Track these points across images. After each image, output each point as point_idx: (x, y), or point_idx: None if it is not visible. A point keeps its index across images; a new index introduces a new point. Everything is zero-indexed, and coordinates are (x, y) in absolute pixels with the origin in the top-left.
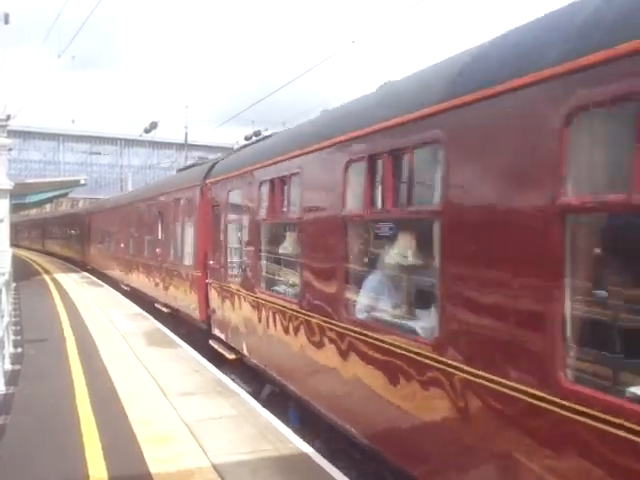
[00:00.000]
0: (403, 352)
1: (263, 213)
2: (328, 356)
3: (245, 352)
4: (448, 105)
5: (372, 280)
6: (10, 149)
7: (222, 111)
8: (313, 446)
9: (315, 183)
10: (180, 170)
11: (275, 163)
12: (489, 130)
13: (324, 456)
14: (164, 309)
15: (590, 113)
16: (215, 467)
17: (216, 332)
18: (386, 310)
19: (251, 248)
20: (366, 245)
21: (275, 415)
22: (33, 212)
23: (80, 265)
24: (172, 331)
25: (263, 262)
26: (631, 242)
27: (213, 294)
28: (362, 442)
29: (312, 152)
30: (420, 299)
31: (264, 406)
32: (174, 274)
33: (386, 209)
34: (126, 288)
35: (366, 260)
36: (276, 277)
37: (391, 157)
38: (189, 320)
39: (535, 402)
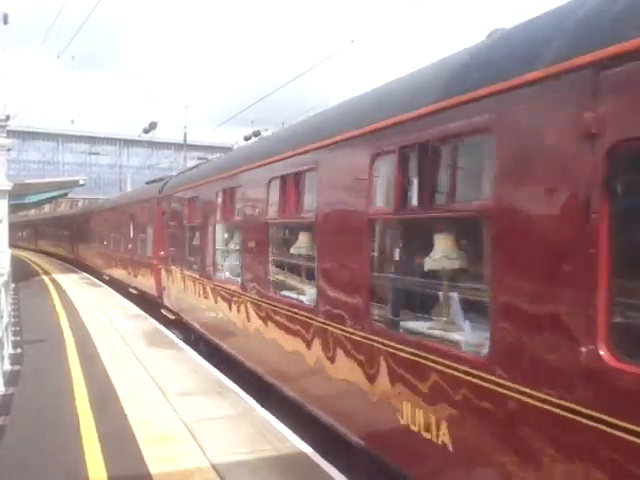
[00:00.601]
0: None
1: (188, 219)
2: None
3: (181, 313)
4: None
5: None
6: (9, 149)
7: (221, 111)
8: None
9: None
10: (148, 182)
11: (191, 188)
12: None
13: (322, 455)
14: (134, 291)
15: None
16: (214, 467)
17: (165, 302)
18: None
19: (182, 242)
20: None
21: (274, 414)
22: (32, 212)
23: (68, 260)
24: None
25: (186, 251)
26: None
27: (163, 275)
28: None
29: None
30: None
31: (262, 406)
32: (140, 264)
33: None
34: (107, 278)
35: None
36: (194, 260)
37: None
38: (151, 297)
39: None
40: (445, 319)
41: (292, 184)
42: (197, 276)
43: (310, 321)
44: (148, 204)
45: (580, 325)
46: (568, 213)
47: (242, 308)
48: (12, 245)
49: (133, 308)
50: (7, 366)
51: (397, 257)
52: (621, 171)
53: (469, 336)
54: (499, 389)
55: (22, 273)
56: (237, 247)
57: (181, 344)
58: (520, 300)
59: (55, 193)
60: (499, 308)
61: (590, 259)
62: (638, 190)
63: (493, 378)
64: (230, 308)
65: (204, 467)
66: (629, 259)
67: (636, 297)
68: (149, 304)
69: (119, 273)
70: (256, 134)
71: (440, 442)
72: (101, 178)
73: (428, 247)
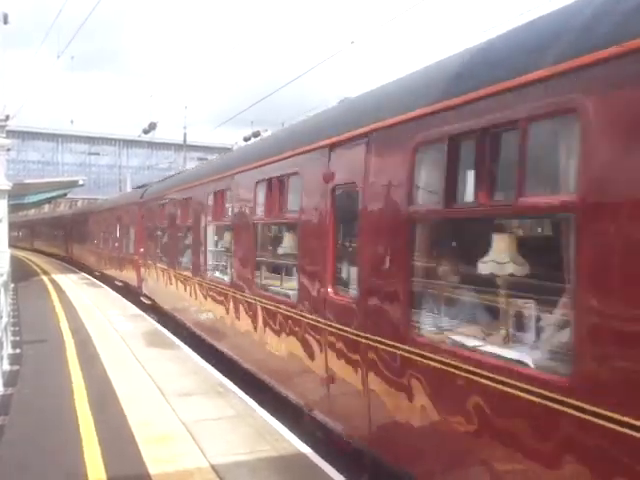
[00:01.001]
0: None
1: (160, 222)
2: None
3: (154, 298)
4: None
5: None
6: (9, 149)
7: (221, 112)
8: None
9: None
10: (135, 188)
11: (162, 196)
12: None
13: (321, 456)
14: (120, 283)
15: None
16: (214, 467)
17: (144, 291)
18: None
19: (155, 241)
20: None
21: (273, 415)
22: (30, 213)
23: (62, 259)
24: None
25: (159, 248)
26: None
27: (142, 269)
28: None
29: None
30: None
31: (262, 406)
32: (124, 260)
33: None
34: (97, 274)
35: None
36: (163, 255)
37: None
38: (133, 288)
39: None
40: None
41: (221, 197)
42: (165, 267)
43: (226, 292)
44: (131, 208)
45: None
46: None
47: (192, 289)
48: (9, 245)
49: (132, 308)
50: (6, 366)
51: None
52: None
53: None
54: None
55: (21, 273)
56: (190, 244)
57: (180, 344)
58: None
59: (54, 193)
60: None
61: None
62: None
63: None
64: (185, 290)
65: (203, 467)
66: None
67: None
68: (133, 294)
69: (108, 269)
70: (255, 135)
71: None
72: (100, 178)
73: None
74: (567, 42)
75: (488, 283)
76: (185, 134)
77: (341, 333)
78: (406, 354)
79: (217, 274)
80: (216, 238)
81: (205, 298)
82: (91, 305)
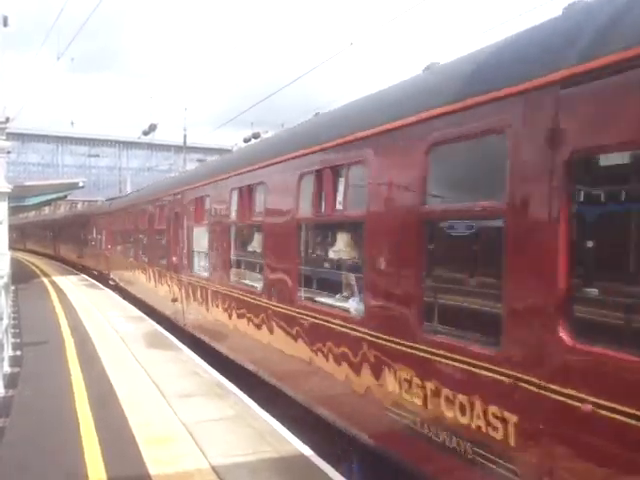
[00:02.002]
0: None
1: (118, 226)
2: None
3: (117, 280)
4: None
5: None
6: (9, 152)
7: (221, 113)
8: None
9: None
10: (106, 200)
11: (116, 210)
12: None
13: (322, 457)
14: (95, 272)
15: None
16: (214, 469)
17: (111, 275)
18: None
19: (117, 239)
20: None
21: (274, 416)
22: (32, 214)
23: (50, 257)
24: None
25: (118, 245)
26: None
27: (109, 260)
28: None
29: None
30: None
31: (262, 407)
32: (99, 255)
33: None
34: (80, 267)
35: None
36: (121, 249)
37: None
38: (105, 274)
39: None
40: None
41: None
42: (122, 257)
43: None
44: (103, 214)
45: None
46: None
47: (137, 271)
48: None
49: (133, 310)
50: (7, 368)
51: None
52: None
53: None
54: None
55: (21, 275)
56: (140, 241)
57: (181, 346)
58: None
59: (55, 195)
60: None
61: None
62: None
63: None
64: (134, 271)
65: (204, 469)
66: None
67: None
68: (104, 279)
69: (87, 262)
70: (255, 136)
71: None
72: (100, 180)
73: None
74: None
75: (336, 265)
76: (185, 135)
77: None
78: (293, 313)
79: (148, 258)
80: (157, 237)
81: (142, 274)
82: (91, 307)
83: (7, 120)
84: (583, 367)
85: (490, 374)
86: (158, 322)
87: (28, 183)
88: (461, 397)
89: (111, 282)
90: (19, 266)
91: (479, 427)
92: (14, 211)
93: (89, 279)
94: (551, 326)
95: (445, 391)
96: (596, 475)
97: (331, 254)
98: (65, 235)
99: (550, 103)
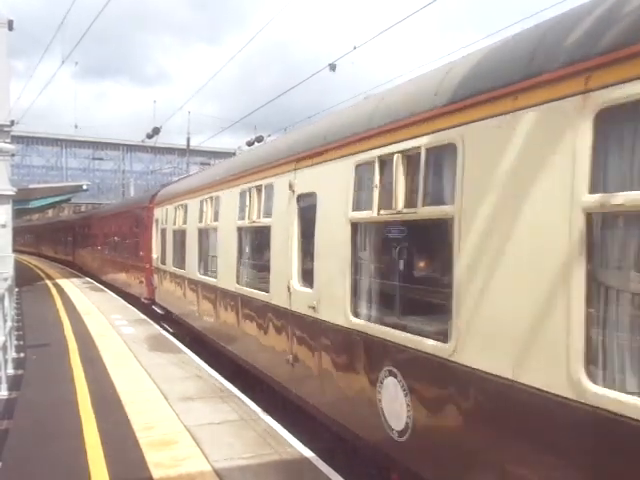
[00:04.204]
0: None
1: (86, 231)
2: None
3: (84, 267)
4: None
5: None
6: (13, 154)
7: (224, 117)
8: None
9: None
10: (76, 212)
11: (85, 218)
12: None
13: (325, 460)
14: (68, 265)
15: None
16: (217, 472)
17: (77, 263)
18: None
19: (85, 242)
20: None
21: (276, 420)
22: (36, 217)
23: (35, 255)
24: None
25: (87, 245)
26: None
27: (82, 255)
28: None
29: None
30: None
31: (265, 410)
32: (72, 252)
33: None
34: (59, 260)
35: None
36: (89, 247)
37: None
38: (75, 264)
39: None
40: None
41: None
42: (90, 252)
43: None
44: (76, 221)
45: None
46: None
47: (98, 260)
48: None
49: (136, 313)
50: (10, 370)
51: None
52: None
53: None
54: None
55: (25, 277)
56: (101, 242)
57: (184, 349)
58: None
59: (58, 198)
60: None
61: None
62: None
63: None
64: (94, 260)
65: (206, 472)
66: None
67: None
68: (79, 268)
69: (64, 259)
70: (259, 139)
71: None
72: (104, 183)
73: None
74: None
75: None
76: (188, 139)
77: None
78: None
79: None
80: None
81: (106, 266)
82: (94, 309)
83: (12, 123)
84: None
85: None
86: (160, 324)
87: (32, 186)
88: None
89: (78, 269)
90: (22, 268)
91: None
92: (18, 214)
93: (92, 282)
94: None
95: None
96: None
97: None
98: (46, 238)
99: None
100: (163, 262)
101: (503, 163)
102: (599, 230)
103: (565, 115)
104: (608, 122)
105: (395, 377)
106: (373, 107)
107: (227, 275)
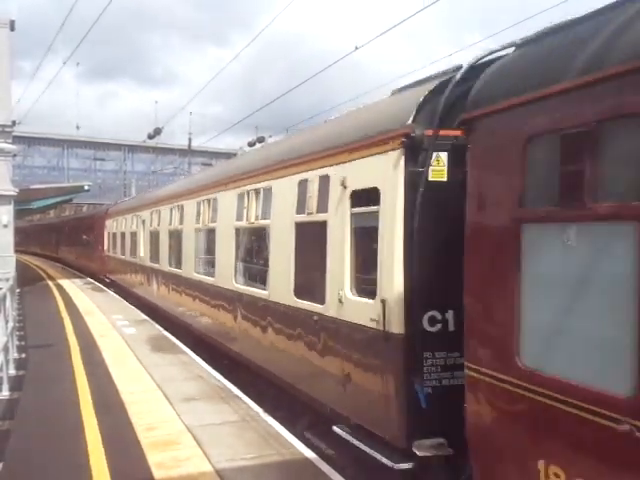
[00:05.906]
0: None
1: (62, 234)
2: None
3: (63, 258)
4: None
5: None
6: (15, 155)
7: (226, 117)
8: None
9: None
10: (58, 217)
11: (63, 221)
12: None
13: (326, 461)
14: (53, 259)
15: None
16: (218, 472)
17: (59, 256)
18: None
19: (62, 241)
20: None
21: (278, 420)
22: (37, 217)
23: (29, 253)
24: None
25: (64, 244)
26: None
27: (63, 250)
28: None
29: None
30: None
31: (267, 411)
32: (57, 249)
33: None
34: (46, 255)
35: None
36: (64, 245)
37: None
38: (58, 257)
39: None
40: None
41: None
42: (71, 249)
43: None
44: (58, 224)
45: None
46: None
47: (73, 253)
48: None
49: (137, 313)
50: (12, 371)
51: None
52: None
53: None
54: None
55: (26, 278)
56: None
57: (185, 349)
58: None
59: (60, 198)
60: None
61: None
62: None
63: None
64: (71, 253)
65: (208, 472)
66: None
67: None
68: (61, 261)
69: (50, 255)
70: (260, 140)
71: None
72: (106, 183)
73: None
74: None
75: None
76: (190, 139)
77: None
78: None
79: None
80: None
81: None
82: (96, 309)
83: (14, 124)
84: None
85: None
86: (163, 325)
87: (34, 186)
88: None
89: (60, 262)
90: (24, 268)
91: None
92: (20, 214)
93: (94, 282)
94: None
95: None
96: None
97: None
98: (34, 238)
99: None
100: (109, 251)
101: None
102: None
103: None
104: None
105: None
106: None
107: (143, 253)
